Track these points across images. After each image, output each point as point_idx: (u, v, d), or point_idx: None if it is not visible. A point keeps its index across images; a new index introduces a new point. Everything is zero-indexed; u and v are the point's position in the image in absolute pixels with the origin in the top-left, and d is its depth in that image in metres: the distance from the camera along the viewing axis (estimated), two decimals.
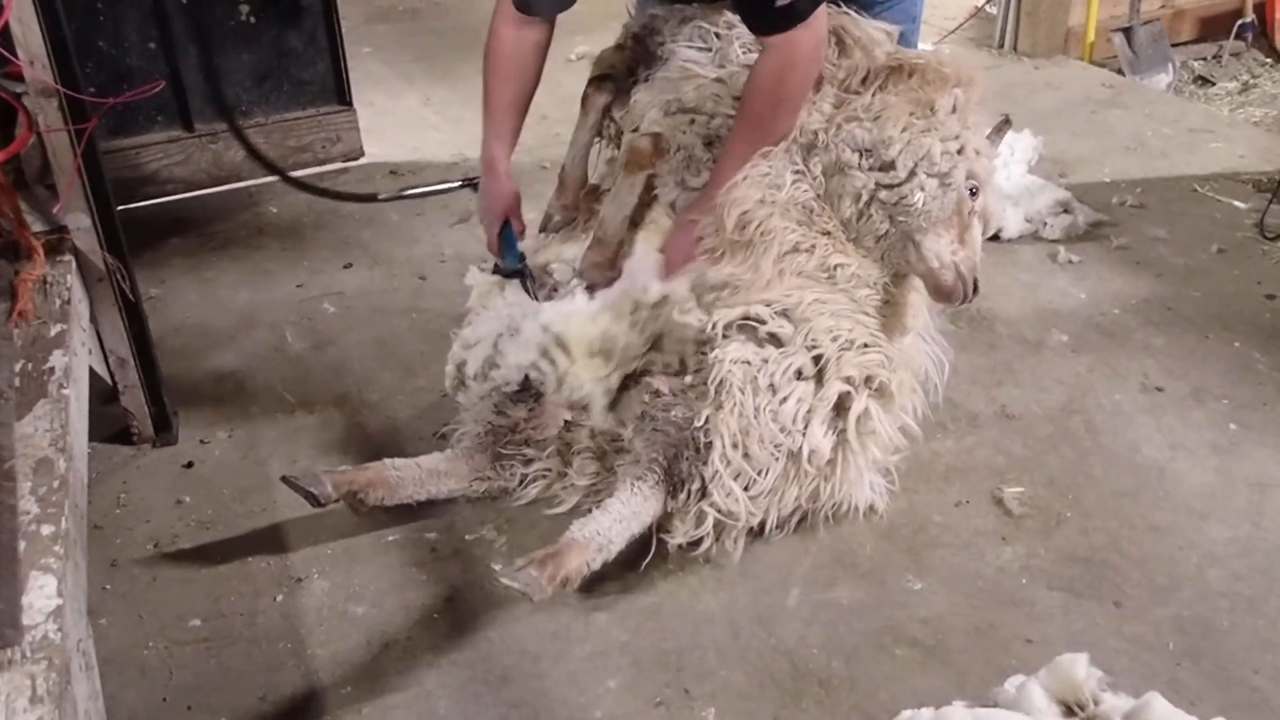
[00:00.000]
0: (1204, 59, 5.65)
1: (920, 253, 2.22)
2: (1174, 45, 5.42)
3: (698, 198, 2.33)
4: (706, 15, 2.43)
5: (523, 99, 2.49)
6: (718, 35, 2.39)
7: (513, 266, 2.48)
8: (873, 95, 2.21)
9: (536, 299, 2.42)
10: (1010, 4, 5.18)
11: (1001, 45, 5.24)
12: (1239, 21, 5.60)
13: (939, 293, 2.26)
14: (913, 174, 2.15)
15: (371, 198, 2.75)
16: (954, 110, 2.20)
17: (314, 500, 2.18)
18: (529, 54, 2.44)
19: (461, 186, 2.62)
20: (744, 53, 2.34)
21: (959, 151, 2.18)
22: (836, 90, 2.27)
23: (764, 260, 2.18)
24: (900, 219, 2.19)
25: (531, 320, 2.30)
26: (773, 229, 2.18)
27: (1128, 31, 5.18)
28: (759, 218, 2.19)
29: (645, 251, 2.40)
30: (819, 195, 2.25)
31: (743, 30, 2.36)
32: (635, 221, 2.39)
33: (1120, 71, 5.13)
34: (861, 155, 2.19)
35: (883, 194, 2.18)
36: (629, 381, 2.25)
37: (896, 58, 2.27)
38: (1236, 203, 3.72)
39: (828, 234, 2.24)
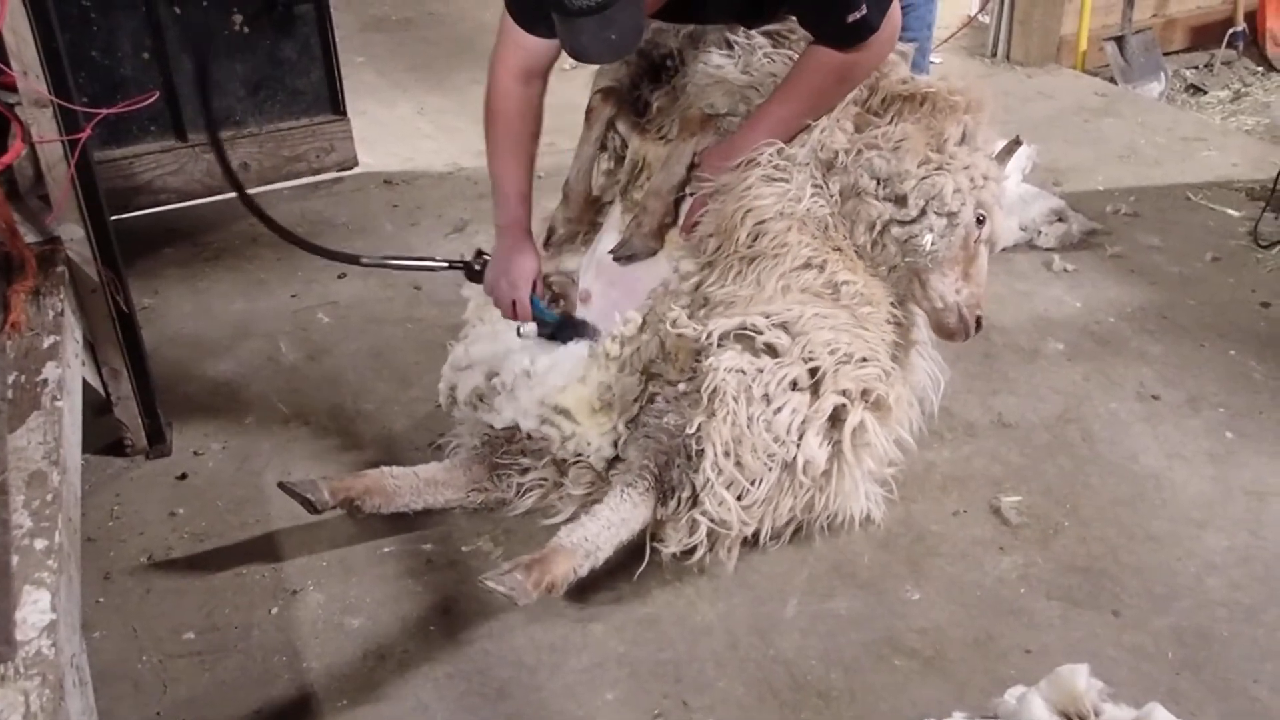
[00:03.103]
0: (1196, 68, 5.68)
1: (925, 291, 2.28)
2: (1166, 54, 5.45)
3: (724, 143, 2.29)
4: (716, 30, 2.43)
5: (534, 158, 2.47)
6: (737, 43, 2.39)
7: (557, 321, 2.43)
8: (891, 123, 2.23)
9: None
10: (1003, 13, 5.21)
11: (994, 54, 5.26)
12: (1230, 30, 5.65)
13: (941, 332, 2.33)
14: (923, 213, 2.19)
15: (355, 260, 2.61)
16: (962, 140, 2.22)
17: (310, 507, 2.18)
18: (535, 110, 2.41)
19: (450, 268, 2.52)
20: (768, 61, 2.35)
21: (970, 183, 2.19)
22: (858, 109, 2.28)
23: (769, 277, 2.17)
24: (909, 258, 2.23)
25: (525, 390, 2.30)
26: (788, 244, 2.18)
27: (1120, 40, 5.21)
28: (775, 231, 2.19)
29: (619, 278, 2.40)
30: (834, 213, 2.26)
31: (762, 39, 2.37)
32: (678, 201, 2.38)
33: (1113, 80, 5.16)
34: (879, 184, 2.21)
35: (895, 229, 2.21)
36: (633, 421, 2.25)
37: (909, 86, 2.28)
38: (1230, 211, 3.73)
39: (839, 250, 2.25)
